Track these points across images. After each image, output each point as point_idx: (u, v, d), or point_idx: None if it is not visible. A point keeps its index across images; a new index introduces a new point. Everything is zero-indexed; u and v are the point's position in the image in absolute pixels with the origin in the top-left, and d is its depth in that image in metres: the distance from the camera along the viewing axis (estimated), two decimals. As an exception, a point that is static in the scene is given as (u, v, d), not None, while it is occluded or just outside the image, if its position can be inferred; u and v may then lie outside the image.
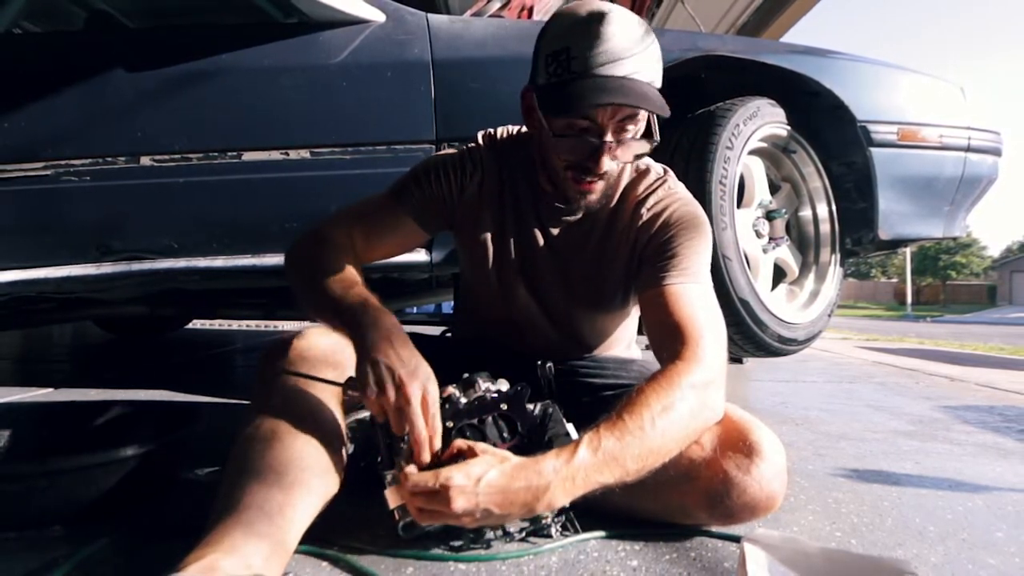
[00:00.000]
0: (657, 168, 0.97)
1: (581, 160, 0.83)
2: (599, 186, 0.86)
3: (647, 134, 0.85)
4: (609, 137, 0.80)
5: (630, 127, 0.82)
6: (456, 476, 0.64)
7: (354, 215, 0.92)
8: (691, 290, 0.86)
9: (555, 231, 0.96)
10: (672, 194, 0.94)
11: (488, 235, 0.97)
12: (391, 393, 0.66)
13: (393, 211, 0.93)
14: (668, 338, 0.81)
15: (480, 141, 0.99)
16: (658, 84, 0.81)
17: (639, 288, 0.92)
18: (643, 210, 0.92)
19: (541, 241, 0.96)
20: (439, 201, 0.95)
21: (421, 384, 0.68)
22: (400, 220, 0.93)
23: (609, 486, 0.69)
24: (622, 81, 0.77)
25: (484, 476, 0.65)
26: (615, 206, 0.95)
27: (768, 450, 0.77)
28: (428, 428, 0.68)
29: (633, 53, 0.77)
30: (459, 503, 0.64)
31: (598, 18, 0.77)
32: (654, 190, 0.93)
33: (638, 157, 0.89)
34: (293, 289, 0.84)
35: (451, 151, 0.99)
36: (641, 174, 0.95)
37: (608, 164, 0.83)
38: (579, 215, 0.95)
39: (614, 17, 0.78)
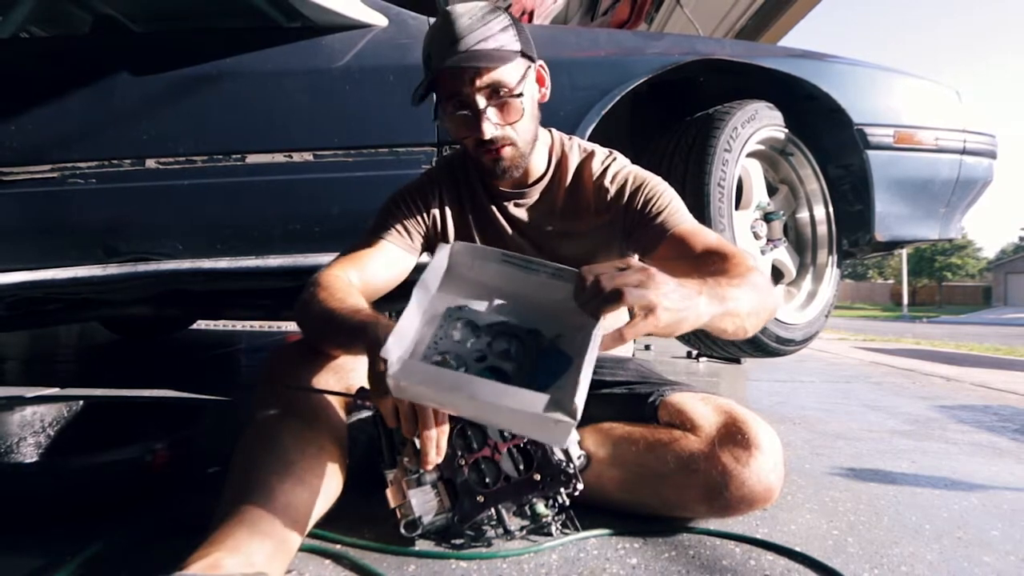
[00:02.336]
0: (602, 148, 1.05)
1: (470, 132, 0.90)
2: (506, 152, 0.92)
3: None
4: (482, 104, 0.88)
5: (503, 91, 0.88)
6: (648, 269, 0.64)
7: (345, 258, 0.95)
8: (695, 225, 0.94)
9: (518, 214, 1.03)
10: (625, 166, 1.02)
11: (458, 238, 1.02)
12: None
13: (377, 244, 0.98)
14: (704, 263, 0.85)
15: (434, 164, 1.06)
16: (512, 47, 0.88)
17: (647, 249, 0.96)
18: (607, 184, 1.00)
19: (507, 227, 1.03)
20: (413, 223, 1.01)
21: None
22: (385, 250, 0.98)
23: (723, 323, 0.72)
24: (465, 52, 0.85)
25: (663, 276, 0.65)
26: (571, 184, 1.02)
27: (765, 444, 0.78)
28: (437, 427, 0.68)
29: (473, 29, 0.86)
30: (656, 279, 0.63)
31: (444, 16, 0.88)
32: (608, 166, 1.02)
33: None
34: (307, 334, 0.85)
35: (413, 180, 1.07)
36: (589, 155, 1.03)
37: (491, 129, 0.89)
38: (536, 196, 1.02)
39: (456, 10, 0.87)
